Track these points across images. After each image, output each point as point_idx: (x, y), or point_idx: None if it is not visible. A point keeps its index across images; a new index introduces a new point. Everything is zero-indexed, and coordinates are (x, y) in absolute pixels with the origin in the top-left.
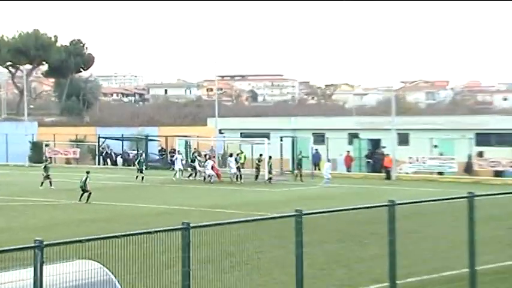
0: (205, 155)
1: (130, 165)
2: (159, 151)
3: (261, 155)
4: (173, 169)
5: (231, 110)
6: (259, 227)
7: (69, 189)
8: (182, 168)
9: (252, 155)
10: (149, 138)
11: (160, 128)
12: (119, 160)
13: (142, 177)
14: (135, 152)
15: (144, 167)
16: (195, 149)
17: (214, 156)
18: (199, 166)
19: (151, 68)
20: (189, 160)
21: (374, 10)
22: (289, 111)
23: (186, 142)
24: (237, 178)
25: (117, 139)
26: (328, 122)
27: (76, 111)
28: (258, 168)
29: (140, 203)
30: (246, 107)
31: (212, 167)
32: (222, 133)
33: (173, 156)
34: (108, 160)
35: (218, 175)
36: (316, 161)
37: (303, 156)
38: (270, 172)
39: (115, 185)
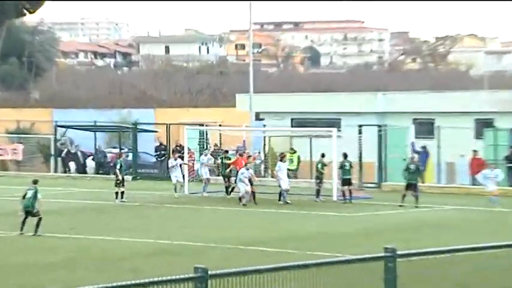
0: (239, 154)
1: (108, 173)
2: (157, 149)
3: (322, 155)
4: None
5: (276, 81)
6: (331, 274)
7: (5, 212)
8: (191, 178)
9: (310, 156)
10: (140, 127)
11: (158, 111)
12: (90, 164)
13: (122, 194)
14: (117, 150)
15: (122, 176)
16: (215, 146)
17: (251, 158)
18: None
19: (142, 12)
20: (217, 163)
21: None
22: (374, 83)
23: (201, 134)
24: (279, 197)
25: (87, 129)
26: (441, 101)
27: (17, 82)
28: (319, 178)
29: (125, 235)
30: (301, 76)
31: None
32: (260, 119)
33: (180, 155)
34: (72, 164)
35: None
36: (423, 164)
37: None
38: (349, 183)
39: (83, 205)
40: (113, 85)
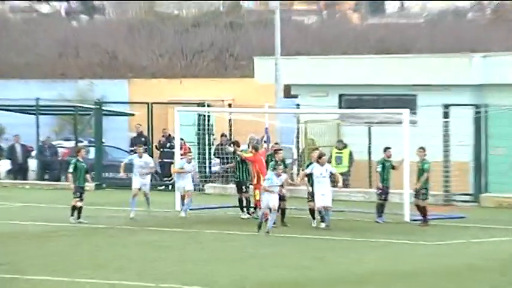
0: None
1: (58, 179)
2: (134, 141)
3: (386, 149)
4: (170, 187)
5: (317, 37)
6: None
7: None
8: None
9: (369, 153)
10: (107, 108)
11: (135, 84)
12: (31, 164)
13: (80, 210)
14: (72, 144)
15: (79, 183)
16: (223, 137)
17: (277, 151)
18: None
19: None
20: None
21: None
22: (469, 40)
23: (201, 118)
24: (312, 216)
25: (24, 111)
26: None
27: None
28: (384, 186)
29: (86, 274)
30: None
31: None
32: (292, 97)
33: (167, 148)
34: (3, 164)
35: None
36: None
37: None
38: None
39: (20, 229)
40: (65, 43)
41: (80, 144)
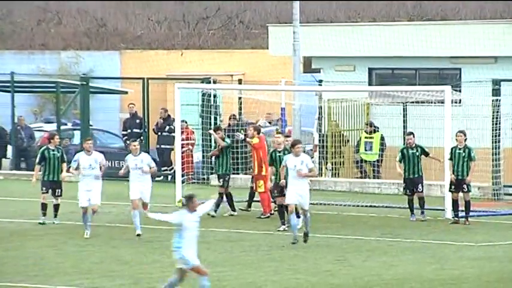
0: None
1: (31, 169)
2: (127, 124)
3: (409, 134)
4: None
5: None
6: None
7: None
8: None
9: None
10: (94, 85)
11: (128, 57)
12: (9, 151)
13: (56, 208)
14: (55, 126)
15: (58, 178)
16: (233, 117)
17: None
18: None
19: None
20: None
21: None
22: None
23: (205, 96)
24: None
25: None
26: None
27: None
28: (416, 177)
29: (69, 281)
30: None
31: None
32: (313, 71)
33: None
34: None
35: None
36: None
37: None
38: (464, 187)
39: None
40: (45, 9)
41: (64, 127)
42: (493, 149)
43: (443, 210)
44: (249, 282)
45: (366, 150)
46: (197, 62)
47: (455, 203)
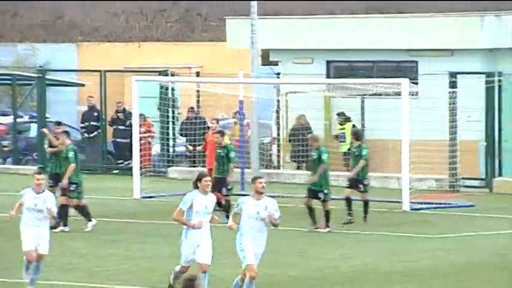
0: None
1: None
2: (85, 117)
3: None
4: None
5: None
6: None
7: None
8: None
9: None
10: (51, 78)
11: (85, 49)
12: None
13: None
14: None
15: None
16: (191, 110)
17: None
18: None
19: None
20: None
21: None
22: None
23: (163, 89)
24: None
25: None
26: None
27: None
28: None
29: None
30: None
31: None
32: (271, 64)
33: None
34: None
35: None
36: None
37: None
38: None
39: None
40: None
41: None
42: (449, 141)
43: (401, 202)
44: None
45: (340, 141)
46: (155, 54)
47: (347, 200)
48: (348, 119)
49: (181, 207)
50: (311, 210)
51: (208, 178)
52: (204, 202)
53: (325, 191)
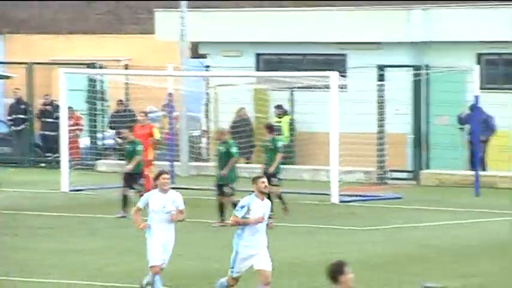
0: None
1: None
2: (12, 109)
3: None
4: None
5: None
6: None
7: None
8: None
9: (291, 123)
10: None
11: (12, 41)
12: None
13: None
14: None
15: None
16: (120, 103)
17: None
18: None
19: None
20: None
21: None
22: None
23: (92, 82)
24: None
25: None
26: None
27: None
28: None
29: None
30: None
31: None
32: (200, 57)
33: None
34: None
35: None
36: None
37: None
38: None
39: None
40: None
41: None
42: (378, 133)
43: (329, 195)
44: (131, 267)
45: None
46: (83, 46)
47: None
48: (285, 113)
49: (139, 205)
50: (221, 205)
51: (167, 176)
52: (162, 201)
53: (231, 185)
